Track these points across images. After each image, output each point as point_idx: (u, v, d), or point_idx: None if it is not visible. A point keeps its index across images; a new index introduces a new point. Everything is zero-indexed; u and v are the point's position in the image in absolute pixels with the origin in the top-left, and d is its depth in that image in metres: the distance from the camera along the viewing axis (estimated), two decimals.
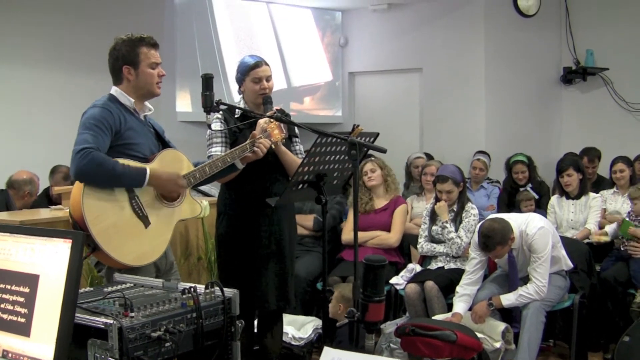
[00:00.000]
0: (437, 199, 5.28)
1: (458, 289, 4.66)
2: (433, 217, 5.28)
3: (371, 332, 2.82)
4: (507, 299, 4.46)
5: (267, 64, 3.84)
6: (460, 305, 4.57)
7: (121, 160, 3.08)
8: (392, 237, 5.45)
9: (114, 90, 3.30)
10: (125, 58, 3.26)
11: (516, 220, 4.58)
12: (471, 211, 5.18)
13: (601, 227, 5.68)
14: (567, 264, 4.75)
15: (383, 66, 8.62)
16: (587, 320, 4.88)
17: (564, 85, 8.32)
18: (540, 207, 6.34)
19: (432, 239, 5.25)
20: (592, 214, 5.74)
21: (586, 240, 5.57)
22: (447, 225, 5.13)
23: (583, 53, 8.04)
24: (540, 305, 4.45)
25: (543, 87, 8.26)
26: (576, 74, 8.13)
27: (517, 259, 4.60)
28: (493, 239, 4.39)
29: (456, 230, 5.12)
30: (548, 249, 4.48)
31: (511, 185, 6.81)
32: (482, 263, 4.66)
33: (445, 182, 5.19)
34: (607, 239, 5.39)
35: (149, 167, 3.14)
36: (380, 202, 5.59)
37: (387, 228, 5.48)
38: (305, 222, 5.69)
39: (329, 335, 4.17)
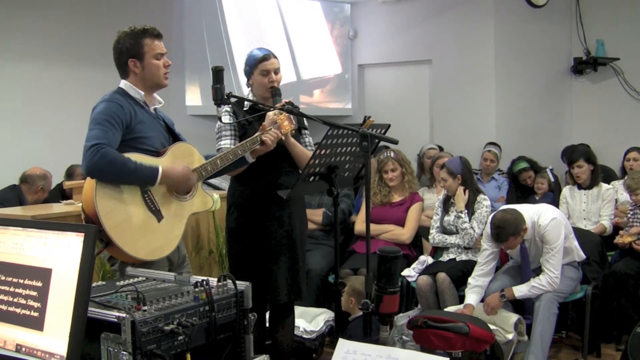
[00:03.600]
0: None
1: (470, 280, 4.64)
2: (445, 207, 5.27)
3: (386, 324, 2.82)
4: (520, 291, 4.44)
5: (275, 57, 3.80)
6: (472, 296, 4.56)
7: (134, 158, 3.05)
8: (405, 234, 5.45)
9: (123, 84, 3.28)
10: (129, 51, 3.23)
11: (528, 211, 4.55)
12: (483, 202, 5.15)
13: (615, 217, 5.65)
14: (580, 255, 4.72)
15: (392, 58, 8.58)
16: (599, 311, 4.86)
17: (575, 75, 8.27)
18: (554, 192, 6.30)
19: (444, 230, 5.23)
20: (605, 208, 5.66)
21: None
22: (462, 215, 5.10)
23: (593, 43, 7.98)
24: (553, 296, 4.42)
25: (553, 77, 8.21)
26: (587, 65, 8.08)
27: (530, 250, 4.57)
28: (505, 230, 4.37)
29: (468, 221, 5.10)
30: (561, 240, 4.45)
31: (522, 192, 6.74)
32: (495, 254, 4.65)
33: (442, 169, 5.33)
34: (632, 238, 5.18)
35: (161, 166, 3.12)
36: (397, 197, 5.59)
37: (401, 223, 5.47)
38: (314, 216, 5.66)
39: (340, 328, 4.16)
